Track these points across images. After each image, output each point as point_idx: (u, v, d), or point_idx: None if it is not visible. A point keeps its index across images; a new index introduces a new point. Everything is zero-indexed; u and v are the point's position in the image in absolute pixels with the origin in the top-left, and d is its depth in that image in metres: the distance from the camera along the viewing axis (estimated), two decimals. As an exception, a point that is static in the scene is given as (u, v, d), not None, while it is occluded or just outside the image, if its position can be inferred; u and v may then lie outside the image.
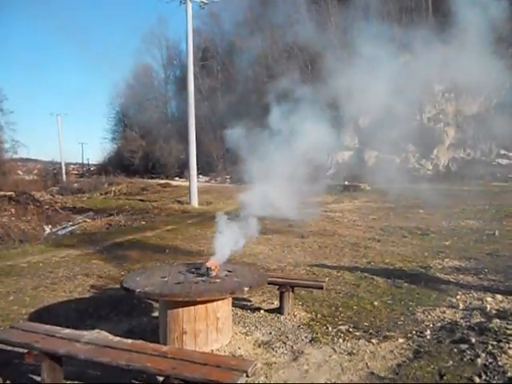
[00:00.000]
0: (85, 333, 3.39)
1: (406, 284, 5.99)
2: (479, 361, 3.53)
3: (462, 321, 4.53)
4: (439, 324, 4.50)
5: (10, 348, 3.75)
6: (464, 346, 3.83)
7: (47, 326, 3.44)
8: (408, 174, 29.42)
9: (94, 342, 3.08)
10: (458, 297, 5.33)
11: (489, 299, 5.14)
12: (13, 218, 14.70)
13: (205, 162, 39.83)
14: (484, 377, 3.29)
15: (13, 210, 16.98)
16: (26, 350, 3.11)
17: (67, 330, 3.33)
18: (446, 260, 7.37)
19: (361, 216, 13.39)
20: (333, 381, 3.35)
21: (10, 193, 21.59)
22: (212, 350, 3.83)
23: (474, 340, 3.92)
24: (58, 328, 3.39)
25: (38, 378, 3.30)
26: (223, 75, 48.56)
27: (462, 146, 31.67)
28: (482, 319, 4.51)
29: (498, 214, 12.73)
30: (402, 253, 8.10)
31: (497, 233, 9.57)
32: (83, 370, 3.53)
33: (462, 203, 15.43)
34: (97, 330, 4.48)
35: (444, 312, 4.84)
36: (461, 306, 4.98)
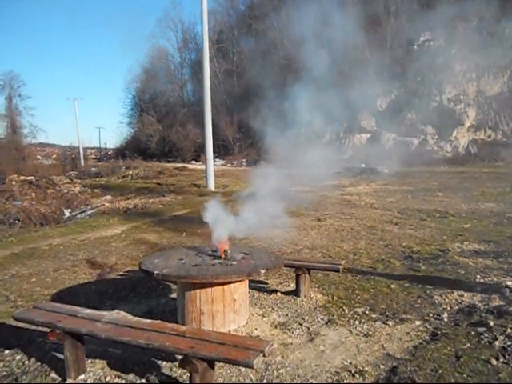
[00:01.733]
0: (105, 313, 3.46)
1: (423, 267, 5.95)
2: (497, 343, 3.51)
3: (480, 304, 4.49)
4: (457, 307, 4.48)
5: (33, 327, 3.87)
6: (482, 329, 3.81)
7: (69, 306, 3.53)
8: (426, 157, 29.02)
9: (114, 321, 3.15)
10: (477, 280, 5.28)
11: (508, 283, 5.07)
12: (33, 202, 15.01)
13: (221, 146, 39.91)
14: (502, 359, 3.27)
15: (33, 194, 17.35)
16: (48, 329, 3.20)
17: (88, 311, 3.40)
18: (465, 243, 7.28)
19: (378, 199, 13.27)
20: (349, 361, 3.38)
21: (30, 177, 22.04)
22: (229, 331, 3.88)
23: (492, 323, 3.89)
24: (79, 308, 3.47)
25: (60, 356, 3.41)
26: (239, 58, 48.15)
27: (483, 127, 30.96)
28: (501, 302, 4.46)
29: (519, 196, 12.47)
30: (420, 236, 8.02)
31: (517, 216, 9.40)
32: (104, 349, 3.62)
33: (481, 186, 15.17)
34: (116, 311, 4.58)
35: (462, 295, 4.80)
36: (479, 290, 4.94)
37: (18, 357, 3.62)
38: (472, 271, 5.65)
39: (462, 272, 5.64)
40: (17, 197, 15.94)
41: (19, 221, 11.98)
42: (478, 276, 5.43)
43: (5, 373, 3.38)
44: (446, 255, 6.53)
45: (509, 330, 3.72)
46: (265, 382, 3.14)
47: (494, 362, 3.24)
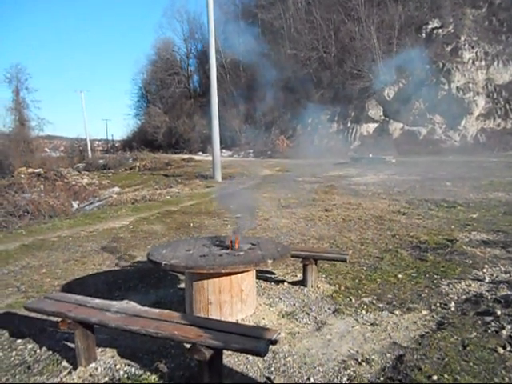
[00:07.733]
0: (114, 303, 3.51)
1: (431, 257, 5.94)
2: (504, 332, 3.51)
3: (487, 293, 4.48)
4: (464, 296, 4.48)
5: (44, 317, 3.94)
6: (489, 318, 3.81)
7: (79, 297, 3.58)
8: (434, 146, 28.82)
9: (123, 311, 3.19)
10: (485, 270, 5.26)
11: (516, 272, 5.06)
12: (42, 194, 15.12)
13: (228, 137, 39.87)
14: (509, 348, 3.27)
15: (42, 187, 17.47)
16: (59, 319, 3.26)
17: (98, 300, 3.45)
18: (473, 233, 7.25)
19: (385, 189, 13.22)
20: (355, 350, 3.40)
21: (38, 170, 22.21)
22: (237, 320, 3.92)
23: (499, 312, 3.89)
24: (89, 298, 3.52)
25: (71, 345, 3.47)
26: (245, 48, 47.86)
27: (492, 116, 30.60)
28: (509, 292, 4.45)
29: (529, 185, 12.36)
30: (428, 226, 8.00)
31: (526, 205, 9.32)
32: (114, 338, 3.68)
33: (490, 175, 15.05)
34: (125, 301, 4.64)
35: (469, 285, 4.80)
36: (487, 279, 4.93)
37: (29, 346, 3.68)
38: (480, 261, 5.63)
39: (470, 262, 5.63)
40: (25, 189, 16.07)
41: (28, 213, 12.11)
42: (486, 266, 5.41)
43: (17, 361, 3.45)
44: (454, 245, 6.50)
45: (516, 319, 3.72)
46: (272, 369, 3.18)
47: (501, 350, 3.25)
